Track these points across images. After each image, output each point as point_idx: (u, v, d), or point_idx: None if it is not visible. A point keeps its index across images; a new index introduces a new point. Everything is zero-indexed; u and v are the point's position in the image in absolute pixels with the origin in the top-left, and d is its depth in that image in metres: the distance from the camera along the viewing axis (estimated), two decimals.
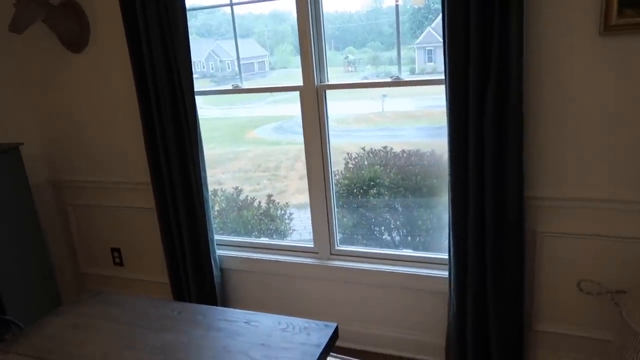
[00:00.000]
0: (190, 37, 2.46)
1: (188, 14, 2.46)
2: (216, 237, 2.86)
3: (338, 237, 2.71)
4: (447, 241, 2.28)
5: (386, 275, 2.53)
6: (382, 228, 2.80)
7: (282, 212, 3.06)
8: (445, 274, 2.35)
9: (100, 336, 1.54)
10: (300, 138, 2.60)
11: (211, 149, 2.69)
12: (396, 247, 2.71)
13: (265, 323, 1.53)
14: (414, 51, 2.40)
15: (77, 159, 3.16)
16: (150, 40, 2.52)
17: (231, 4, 2.60)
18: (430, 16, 2.33)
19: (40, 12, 2.60)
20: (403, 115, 2.73)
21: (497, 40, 1.90)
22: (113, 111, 2.95)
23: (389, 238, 2.80)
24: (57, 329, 1.60)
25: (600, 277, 2.11)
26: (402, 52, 2.34)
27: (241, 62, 2.69)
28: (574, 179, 2.08)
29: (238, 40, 2.65)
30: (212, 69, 2.93)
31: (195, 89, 2.54)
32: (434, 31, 2.32)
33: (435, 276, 2.43)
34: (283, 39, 2.73)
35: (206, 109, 2.89)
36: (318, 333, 1.44)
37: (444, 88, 2.06)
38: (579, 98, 1.99)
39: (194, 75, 2.52)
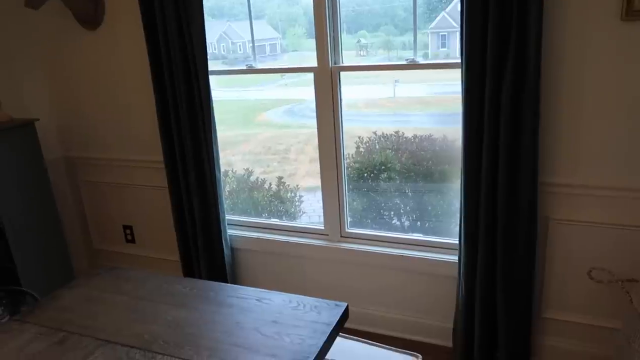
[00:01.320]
0: None
1: None
2: (227, 217, 2.87)
3: (348, 220, 2.71)
4: (457, 227, 2.28)
5: (395, 259, 2.54)
6: (392, 213, 2.79)
7: (292, 194, 3.07)
8: (455, 258, 2.35)
9: (113, 309, 1.57)
10: (310, 122, 2.59)
11: (221, 130, 2.70)
12: (405, 232, 2.71)
13: (276, 301, 1.55)
14: (428, 36, 2.36)
15: (90, 137, 3.18)
16: (165, 19, 2.51)
17: None
18: (444, 0, 2.29)
19: None
20: (415, 101, 2.71)
21: (515, 23, 1.87)
22: (127, 89, 2.96)
23: (398, 223, 2.80)
24: (72, 302, 1.64)
25: (611, 266, 2.10)
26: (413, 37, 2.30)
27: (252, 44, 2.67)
28: (589, 166, 2.06)
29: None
30: (224, 51, 2.92)
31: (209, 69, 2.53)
32: (449, 16, 2.28)
33: (445, 260, 2.43)
34: (295, 21, 2.70)
35: (217, 91, 2.84)
36: (328, 312, 1.46)
37: (460, 72, 2.04)
38: (598, 83, 1.96)
39: None
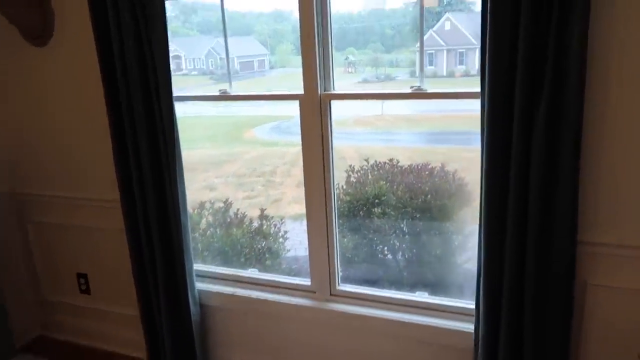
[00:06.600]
0: (190, 33, 2.37)
1: (184, 8, 2.15)
2: (196, 267, 2.52)
3: (340, 275, 2.36)
4: (460, 277, 2.03)
5: (396, 325, 2.19)
6: (386, 251, 2.66)
7: (276, 229, 2.95)
8: (470, 327, 2.01)
9: None
10: (298, 139, 2.33)
11: (205, 148, 2.70)
12: (400, 271, 2.56)
13: None
14: (415, 54, 2.24)
15: (38, 170, 2.83)
16: (121, 33, 2.15)
17: None
18: (431, 19, 2.24)
19: None
20: (403, 118, 2.71)
21: (552, 43, 1.53)
22: (80, 115, 2.61)
23: (394, 263, 2.65)
24: None
25: None
26: (401, 55, 2.33)
27: (240, 60, 2.59)
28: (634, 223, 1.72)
29: (238, 38, 2.57)
30: (212, 66, 2.87)
31: (190, 87, 2.33)
32: (436, 34, 2.26)
33: (456, 329, 2.09)
34: (284, 38, 2.68)
35: (201, 106, 2.82)
36: None
37: (480, 103, 1.70)
38: None
39: (193, 73, 2.42)
